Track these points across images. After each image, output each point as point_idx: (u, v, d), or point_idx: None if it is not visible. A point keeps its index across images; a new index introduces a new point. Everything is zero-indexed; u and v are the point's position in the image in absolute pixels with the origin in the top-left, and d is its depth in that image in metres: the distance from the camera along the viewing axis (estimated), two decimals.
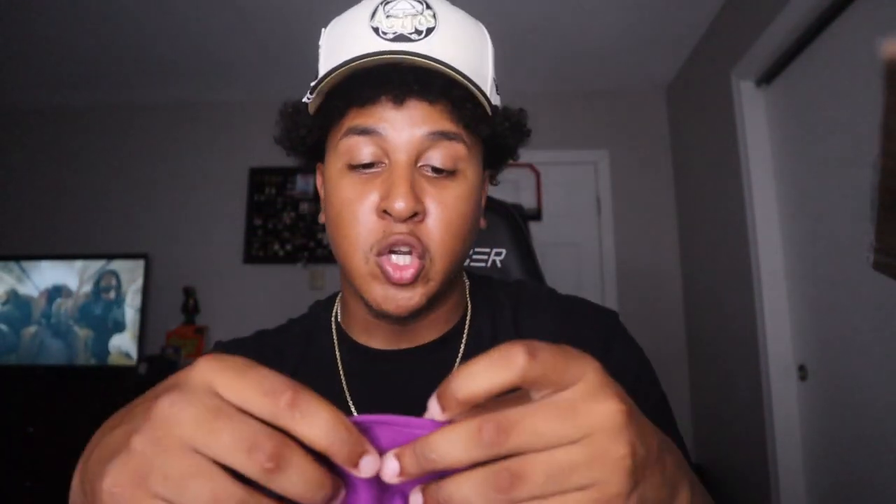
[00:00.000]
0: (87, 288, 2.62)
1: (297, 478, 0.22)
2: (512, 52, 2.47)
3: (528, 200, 2.76)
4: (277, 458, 0.21)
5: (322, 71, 0.49)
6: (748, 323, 1.94)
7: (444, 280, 0.48)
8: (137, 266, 2.64)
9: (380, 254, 0.46)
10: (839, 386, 1.56)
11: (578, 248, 2.78)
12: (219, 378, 0.23)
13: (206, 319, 2.77)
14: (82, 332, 2.58)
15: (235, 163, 2.93)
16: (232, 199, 2.90)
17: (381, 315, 0.48)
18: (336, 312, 0.59)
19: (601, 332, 0.54)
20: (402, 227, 0.45)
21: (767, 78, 1.90)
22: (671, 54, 2.50)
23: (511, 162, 0.58)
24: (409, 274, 0.45)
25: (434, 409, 0.25)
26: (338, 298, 0.60)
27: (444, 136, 0.46)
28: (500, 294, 0.58)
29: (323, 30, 0.53)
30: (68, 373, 2.53)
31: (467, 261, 0.83)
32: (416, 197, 0.45)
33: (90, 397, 2.34)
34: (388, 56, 0.44)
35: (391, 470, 0.24)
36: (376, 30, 0.46)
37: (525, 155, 0.58)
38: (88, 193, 2.95)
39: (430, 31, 0.46)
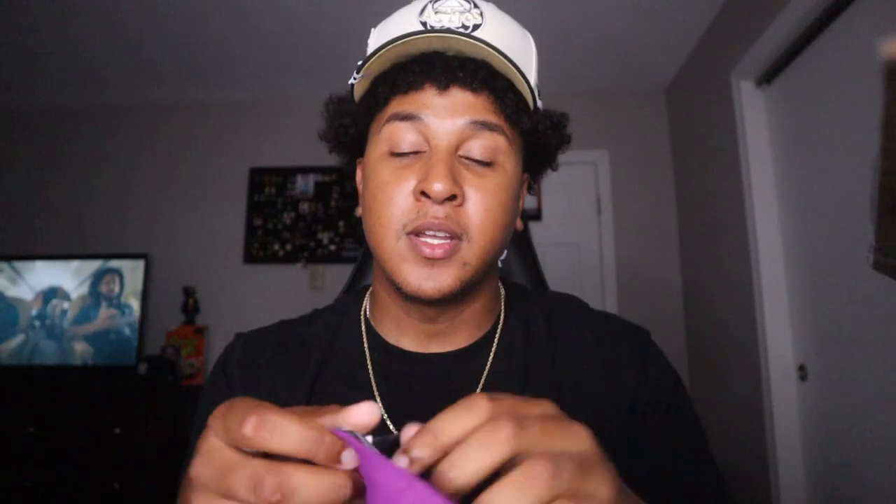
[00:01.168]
0: (85, 289, 2.62)
1: (306, 493, 0.23)
2: None
3: (527, 200, 2.75)
4: (281, 486, 0.23)
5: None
6: (748, 323, 1.94)
7: (481, 266, 0.47)
8: (137, 266, 2.64)
9: (413, 233, 0.45)
10: (839, 386, 1.56)
11: (578, 248, 2.78)
12: (217, 428, 0.25)
13: (206, 319, 2.77)
14: (81, 333, 2.58)
15: (235, 163, 2.93)
16: (232, 199, 2.90)
17: (412, 298, 0.47)
18: (365, 308, 0.58)
19: (637, 352, 0.54)
20: (440, 211, 0.44)
21: (767, 78, 1.90)
22: (671, 54, 2.50)
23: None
24: (441, 251, 0.44)
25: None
26: (368, 293, 0.60)
27: (485, 126, 0.46)
28: (535, 305, 0.58)
29: (372, 30, 0.53)
30: (68, 373, 2.53)
31: None
32: (455, 180, 0.44)
33: (90, 397, 2.34)
34: (436, 35, 0.44)
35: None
36: (424, 24, 0.47)
37: None
38: (88, 193, 2.95)
39: (476, 27, 0.46)
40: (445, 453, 0.25)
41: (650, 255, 2.73)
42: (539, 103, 0.53)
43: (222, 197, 2.91)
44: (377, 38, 0.51)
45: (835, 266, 1.55)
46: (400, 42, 0.45)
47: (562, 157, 0.58)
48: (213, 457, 0.25)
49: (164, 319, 2.73)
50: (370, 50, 0.51)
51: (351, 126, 0.52)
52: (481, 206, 0.46)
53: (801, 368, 1.74)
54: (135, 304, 2.59)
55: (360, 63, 0.48)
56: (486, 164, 0.47)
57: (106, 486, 2.21)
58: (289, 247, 2.84)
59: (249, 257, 2.84)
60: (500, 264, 0.57)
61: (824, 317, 1.63)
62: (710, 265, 2.35)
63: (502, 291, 0.59)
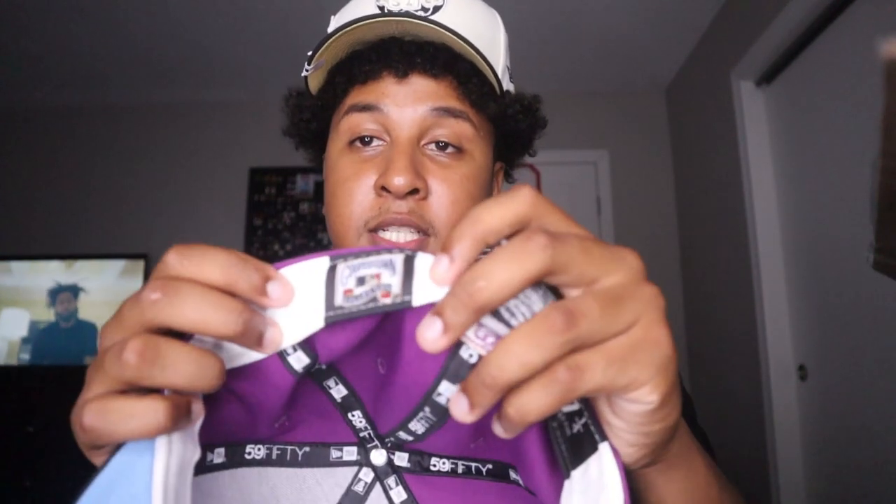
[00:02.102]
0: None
1: (174, 364, 0.19)
2: (510, 51, 2.47)
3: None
4: (160, 287, 0.20)
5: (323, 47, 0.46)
6: (748, 323, 1.94)
7: None
8: (137, 266, 2.64)
9: (374, 230, 0.43)
10: (839, 386, 1.56)
11: None
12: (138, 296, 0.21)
13: None
14: (80, 332, 2.59)
15: (235, 163, 2.93)
16: (232, 199, 2.90)
17: None
18: None
19: None
20: (402, 206, 0.42)
21: (767, 78, 1.90)
22: (671, 54, 2.50)
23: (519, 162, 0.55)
24: (407, 247, 0.42)
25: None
26: None
27: (448, 112, 0.44)
28: None
29: (332, 17, 0.51)
30: (68, 373, 2.53)
31: None
32: (417, 173, 0.42)
33: None
34: (392, 19, 0.42)
35: (434, 331, 0.20)
36: (382, 8, 0.44)
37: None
38: (88, 193, 2.95)
39: (437, 8, 0.44)
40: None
41: (650, 255, 2.73)
42: (509, 86, 0.50)
43: (222, 197, 2.91)
44: (336, 24, 0.49)
45: (835, 266, 1.55)
46: (352, 27, 0.42)
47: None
48: (134, 299, 0.21)
49: None
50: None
51: (311, 120, 0.50)
52: (447, 199, 0.43)
53: (801, 368, 1.74)
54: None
55: (310, 52, 0.45)
56: (452, 154, 0.44)
57: None
58: (289, 247, 2.84)
59: None
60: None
61: (824, 317, 1.63)
62: (710, 265, 2.35)
63: None
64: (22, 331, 2.61)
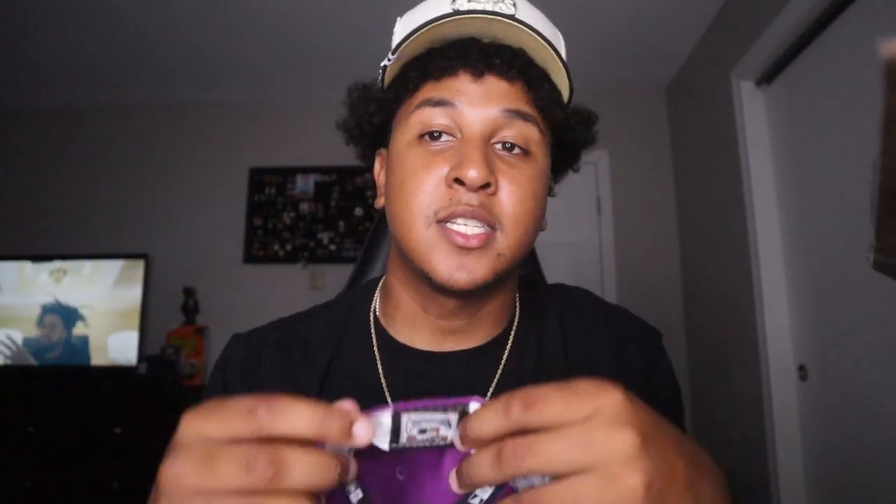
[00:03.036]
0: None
1: (303, 468, 0.23)
2: None
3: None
4: (275, 462, 0.23)
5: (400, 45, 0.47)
6: (748, 323, 1.94)
7: (515, 258, 0.46)
8: (137, 266, 2.64)
9: (443, 220, 0.43)
10: (839, 386, 1.56)
11: (578, 248, 2.78)
12: (201, 424, 0.24)
13: (206, 319, 2.77)
14: (79, 332, 2.59)
15: (235, 163, 2.93)
16: (232, 199, 2.90)
17: (442, 289, 0.44)
18: (375, 305, 0.55)
19: (648, 351, 0.54)
20: (473, 199, 0.42)
21: (767, 78, 1.90)
22: (671, 54, 2.50)
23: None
24: (476, 240, 0.42)
25: (456, 442, 0.29)
26: (378, 288, 0.57)
27: (519, 115, 0.45)
28: (547, 300, 0.57)
29: (398, 18, 0.51)
30: (68, 373, 2.53)
31: None
32: (490, 168, 0.43)
33: (90, 397, 2.34)
34: (478, 17, 0.43)
35: (460, 483, 0.27)
36: (457, 11, 0.45)
37: None
38: (88, 193, 2.95)
39: (510, 16, 0.45)
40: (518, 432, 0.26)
41: (650, 255, 2.73)
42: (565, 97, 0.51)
43: (222, 197, 2.91)
44: (405, 25, 0.49)
45: (835, 266, 1.55)
46: (437, 24, 0.43)
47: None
48: (192, 449, 0.24)
49: (164, 319, 2.73)
50: (398, 36, 0.49)
51: (376, 113, 0.50)
52: (515, 197, 0.44)
53: (801, 368, 1.74)
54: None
55: (395, 44, 0.46)
56: (518, 155, 0.45)
57: (106, 486, 2.21)
58: (289, 247, 2.84)
59: (249, 257, 2.84)
60: None
61: (824, 317, 1.63)
62: (710, 265, 2.35)
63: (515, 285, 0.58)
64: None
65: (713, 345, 2.33)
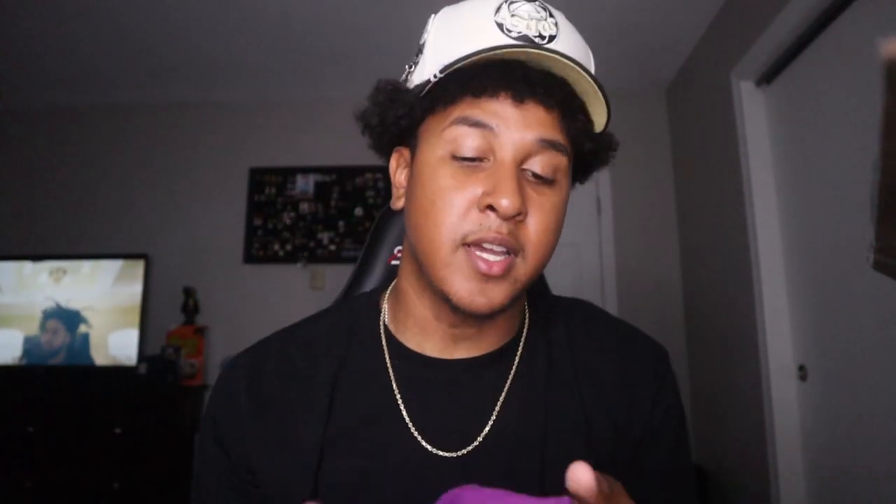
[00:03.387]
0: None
1: None
2: None
3: None
4: None
5: (447, 53, 0.46)
6: (748, 323, 1.94)
7: (529, 283, 0.47)
8: (137, 266, 2.64)
9: (471, 244, 0.44)
10: (839, 386, 1.56)
11: (578, 248, 2.78)
12: None
13: (206, 319, 2.77)
14: (78, 332, 2.59)
15: (235, 163, 2.93)
16: (232, 199, 2.90)
17: (458, 310, 0.45)
18: (384, 312, 0.56)
19: (656, 371, 0.54)
20: (503, 227, 0.43)
21: (767, 78, 1.90)
22: (671, 54, 2.50)
23: None
24: (498, 268, 0.43)
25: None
26: (385, 296, 0.57)
27: (552, 145, 0.45)
28: (554, 311, 0.57)
29: (433, 16, 0.50)
30: (68, 373, 2.53)
31: None
32: (521, 197, 0.43)
33: (90, 397, 2.34)
34: (528, 50, 0.43)
35: None
36: (500, 26, 0.45)
37: None
38: (88, 193, 2.95)
39: (552, 38, 0.45)
40: None
41: (650, 255, 2.73)
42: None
43: (222, 197, 2.91)
44: (444, 26, 0.49)
45: (835, 266, 1.55)
46: (492, 52, 0.43)
47: None
48: None
49: (164, 319, 2.73)
50: (438, 41, 0.48)
51: (404, 117, 0.49)
52: (541, 226, 0.45)
53: (801, 368, 1.74)
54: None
55: (446, 62, 0.45)
56: (546, 182, 0.46)
57: (106, 486, 2.21)
58: (289, 247, 2.84)
59: (249, 257, 2.84)
60: None
61: (824, 317, 1.63)
62: (710, 265, 2.35)
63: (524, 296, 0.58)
64: (16, 351, 2.57)
65: (713, 345, 2.34)
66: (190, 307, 2.73)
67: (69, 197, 2.95)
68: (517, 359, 0.52)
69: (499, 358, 0.52)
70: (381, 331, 0.54)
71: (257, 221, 2.87)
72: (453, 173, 0.45)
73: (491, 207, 0.43)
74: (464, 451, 0.48)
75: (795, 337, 1.80)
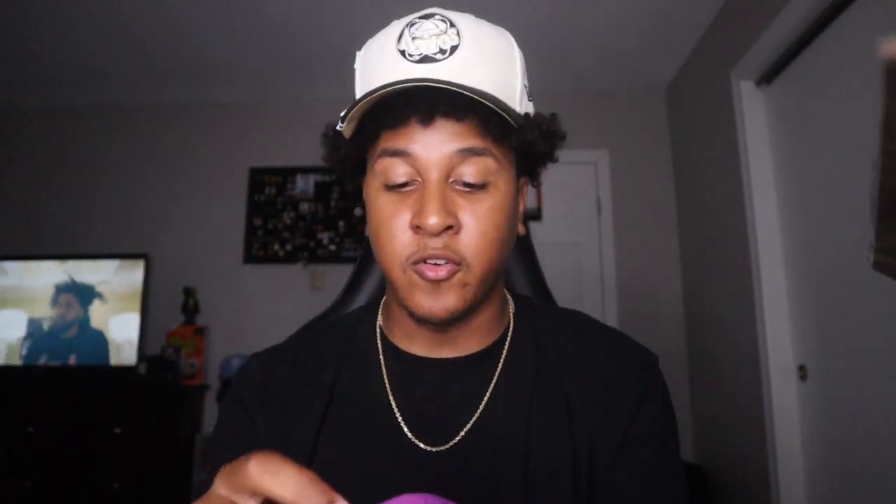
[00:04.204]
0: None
1: None
2: None
3: (528, 200, 2.76)
4: None
5: (357, 95, 0.51)
6: (748, 323, 1.94)
7: (482, 286, 0.49)
8: (137, 266, 2.64)
9: (415, 263, 0.47)
10: (839, 386, 1.56)
11: (578, 248, 2.78)
12: (224, 484, 0.28)
13: (206, 319, 2.77)
14: (78, 332, 2.59)
15: (235, 163, 2.93)
16: (232, 199, 2.90)
17: (422, 321, 0.49)
18: (379, 318, 0.60)
19: (643, 375, 0.54)
20: (437, 242, 0.46)
21: (767, 78, 1.90)
22: (671, 54, 2.50)
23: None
24: (444, 271, 0.46)
25: None
26: (381, 302, 0.62)
27: (472, 152, 0.47)
28: (543, 317, 0.59)
29: (357, 53, 0.53)
30: (68, 373, 2.53)
31: None
32: (448, 211, 0.46)
33: (90, 397, 2.34)
34: (412, 85, 0.44)
35: None
36: (403, 52, 0.47)
37: None
38: (88, 193, 2.95)
39: (454, 48, 0.47)
40: None
41: (650, 255, 2.74)
42: (529, 107, 0.53)
43: (222, 197, 2.91)
44: (361, 63, 0.52)
45: (835, 266, 1.55)
46: (381, 92, 0.45)
47: (562, 157, 0.57)
48: (211, 498, 0.28)
49: (164, 319, 2.73)
50: (357, 87, 0.52)
51: (347, 158, 0.53)
52: (476, 232, 0.47)
53: (801, 368, 1.74)
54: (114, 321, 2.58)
55: (342, 114, 0.49)
56: (478, 188, 0.48)
57: (106, 486, 2.21)
58: (289, 247, 2.84)
59: (249, 257, 2.84)
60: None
61: (824, 317, 1.63)
62: (710, 265, 2.35)
63: (511, 302, 0.60)
64: (20, 331, 2.60)
65: (713, 345, 2.34)
66: (190, 307, 2.73)
67: (69, 197, 2.96)
68: (502, 360, 0.55)
69: (483, 359, 0.54)
70: (378, 333, 0.58)
71: (257, 221, 2.87)
72: (388, 202, 0.49)
73: (421, 227, 0.46)
74: (447, 446, 0.50)
75: (795, 337, 1.80)
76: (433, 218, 0.45)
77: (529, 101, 0.54)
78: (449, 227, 0.46)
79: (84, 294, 2.62)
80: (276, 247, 2.84)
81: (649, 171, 2.80)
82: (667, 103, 2.83)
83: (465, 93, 0.44)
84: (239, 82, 2.80)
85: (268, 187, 2.90)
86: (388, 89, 0.44)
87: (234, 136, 2.97)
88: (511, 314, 0.59)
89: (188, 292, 2.75)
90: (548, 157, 0.55)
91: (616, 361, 0.54)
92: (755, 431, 1.89)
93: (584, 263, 2.77)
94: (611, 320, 2.62)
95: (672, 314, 2.67)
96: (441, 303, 0.47)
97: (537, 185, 0.60)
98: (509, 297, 0.61)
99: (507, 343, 0.56)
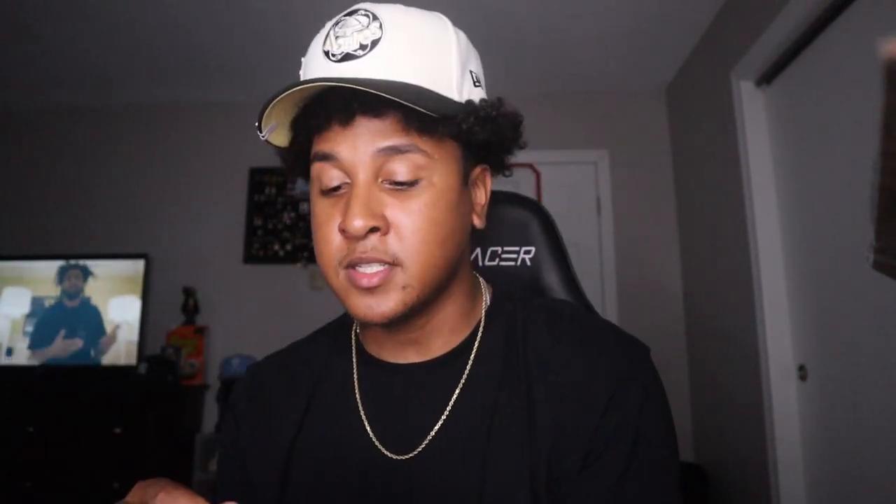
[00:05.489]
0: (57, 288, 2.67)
1: None
2: (511, 52, 2.47)
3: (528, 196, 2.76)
4: None
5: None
6: (748, 323, 1.94)
7: (426, 286, 0.47)
8: (137, 266, 2.64)
9: (347, 267, 0.46)
10: (839, 386, 1.56)
11: (578, 248, 2.78)
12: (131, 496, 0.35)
13: (206, 319, 2.77)
14: (76, 332, 2.59)
15: (235, 163, 2.93)
16: (232, 199, 2.90)
17: (365, 324, 0.49)
18: (356, 324, 0.60)
19: (620, 368, 0.49)
20: (366, 245, 0.45)
21: (767, 78, 1.90)
22: (671, 54, 2.50)
23: (512, 162, 0.55)
24: (376, 279, 0.45)
25: None
26: None
27: (395, 150, 0.45)
28: (519, 311, 0.55)
29: (303, 59, 0.53)
30: (68, 373, 2.53)
31: (497, 260, 0.80)
32: (373, 212, 0.44)
33: (90, 397, 2.34)
34: (317, 85, 0.43)
35: None
36: (327, 53, 0.47)
37: (525, 155, 0.56)
38: (89, 193, 2.95)
39: (374, 43, 0.45)
40: None
41: (650, 255, 2.73)
42: (476, 94, 0.50)
43: (222, 197, 2.91)
44: (302, 67, 0.52)
45: (835, 266, 1.55)
46: (288, 92, 0.44)
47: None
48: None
49: (165, 319, 2.73)
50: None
51: (295, 166, 0.53)
52: (409, 231, 0.45)
53: (801, 368, 1.74)
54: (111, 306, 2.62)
55: (256, 123, 0.47)
56: (410, 185, 0.46)
57: (106, 486, 2.21)
58: (289, 247, 2.84)
59: (249, 257, 2.84)
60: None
61: (824, 317, 1.63)
62: (710, 265, 2.35)
63: (486, 296, 0.57)
64: (24, 308, 2.65)
65: (713, 344, 2.34)
66: (190, 307, 2.73)
67: (69, 197, 2.95)
68: (470, 361, 0.52)
69: (451, 361, 0.52)
70: (353, 341, 0.58)
71: (257, 221, 2.87)
72: (323, 207, 0.48)
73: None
74: (411, 455, 0.49)
75: (795, 337, 1.80)
76: (357, 221, 0.43)
77: (477, 86, 0.51)
78: (376, 229, 0.45)
79: (85, 270, 2.69)
80: (276, 247, 2.84)
81: (649, 171, 2.79)
82: (667, 103, 2.83)
83: (370, 91, 0.41)
84: (239, 82, 2.80)
85: (268, 187, 2.90)
86: (290, 91, 0.44)
87: (234, 136, 2.97)
88: (483, 310, 0.56)
89: (188, 292, 2.75)
90: (506, 143, 0.52)
91: (589, 357, 0.49)
92: (755, 431, 1.89)
93: (584, 263, 2.77)
94: (610, 320, 2.62)
95: (672, 314, 2.67)
96: (379, 308, 0.46)
97: (507, 174, 0.56)
98: (486, 291, 0.58)
99: (476, 342, 0.53)
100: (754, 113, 1.95)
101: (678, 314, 2.67)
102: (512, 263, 0.82)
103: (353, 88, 0.42)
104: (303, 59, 0.52)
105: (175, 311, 2.74)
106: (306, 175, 0.52)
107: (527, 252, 0.83)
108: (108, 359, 2.55)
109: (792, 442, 1.76)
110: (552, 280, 0.81)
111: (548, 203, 2.78)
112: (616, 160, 2.81)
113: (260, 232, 2.86)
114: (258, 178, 2.91)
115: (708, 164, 2.34)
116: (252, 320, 2.75)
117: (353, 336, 0.59)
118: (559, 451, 0.46)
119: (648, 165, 2.80)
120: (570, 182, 2.80)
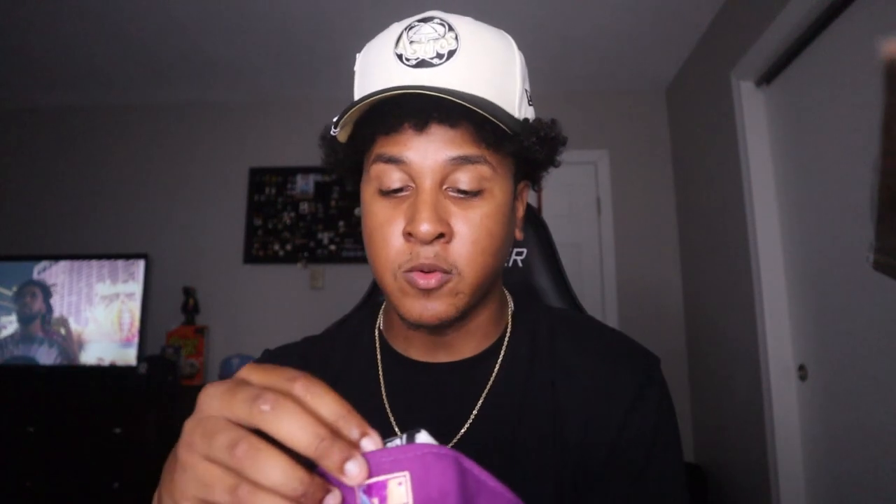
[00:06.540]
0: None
1: (274, 470, 0.24)
2: None
3: (528, 200, 2.76)
4: (251, 451, 0.25)
5: (355, 97, 0.50)
6: (748, 322, 1.94)
7: (475, 293, 0.49)
8: (137, 266, 2.64)
9: (407, 272, 0.47)
10: (839, 386, 1.56)
11: (578, 248, 2.78)
12: (250, 372, 0.28)
13: (206, 319, 2.77)
14: (77, 331, 2.59)
15: (235, 163, 2.93)
16: (232, 199, 2.90)
17: (414, 326, 0.49)
18: (380, 322, 0.61)
19: (639, 376, 0.52)
20: (429, 251, 0.46)
21: (767, 78, 1.90)
22: (671, 54, 2.50)
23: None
24: (434, 280, 0.46)
25: None
26: (382, 307, 0.62)
27: (466, 159, 0.46)
28: (542, 318, 0.58)
29: (357, 55, 0.53)
30: (68, 373, 2.53)
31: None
32: (441, 219, 0.46)
33: (90, 397, 2.34)
34: (404, 92, 0.44)
35: None
36: (400, 56, 0.47)
37: None
38: (88, 193, 2.95)
39: (451, 53, 0.46)
40: None
41: (650, 255, 2.73)
42: (529, 112, 0.52)
43: (222, 197, 2.91)
44: (360, 65, 0.52)
45: (835, 266, 1.55)
46: (376, 97, 0.45)
47: (562, 157, 0.57)
48: (207, 422, 0.27)
49: (165, 319, 2.73)
50: (356, 78, 0.51)
51: (344, 162, 0.53)
52: (469, 240, 0.47)
53: (801, 368, 1.74)
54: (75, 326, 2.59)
55: (335, 119, 0.48)
56: (472, 195, 0.47)
57: (106, 486, 2.21)
58: (289, 247, 2.84)
59: (249, 257, 2.84)
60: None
61: (824, 317, 1.63)
62: (710, 265, 2.35)
63: (510, 302, 0.60)
64: None
65: (713, 345, 2.34)
66: (190, 307, 2.73)
67: (69, 197, 2.95)
68: (498, 364, 0.54)
69: (478, 363, 0.54)
70: (377, 337, 0.59)
71: (257, 221, 2.87)
72: (382, 208, 0.48)
73: (413, 234, 0.46)
74: None
75: (795, 337, 1.80)
76: (425, 225, 0.44)
77: (530, 105, 0.53)
78: (441, 236, 0.46)
79: (45, 290, 2.65)
80: (276, 247, 2.84)
81: (649, 171, 2.79)
82: (667, 103, 2.83)
83: (456, 101, 0.43)
84: (239, 82, 2.80)
85: (268, 187, 2.90)
86: (379, 96, 0.44)
87: (234, 136, 2.97)
88: (510, 316, 0.58)
89: (188, 292, 2.75)
90: (549, 162, 0.55)
91: (610, 365, 0.52)
92: (755, 431, 1.89)
93: (584, 263, 2.77)
94: (611, 320, 2.62)
95: (672, 314, 2.67)
96: (431, 310, 0.47)
97: (538, 189, 0.59)
98: (509, 297, 0.60)
99: (503, 346, 0.55)
100: (754, 113, 1.95)
101: (678, 314, 2.67)
102: (504, 264, 0.84)
103: (430, 95, 0.43)
104: (358, 56, 0.52)
105: (175, 311, 2.74)
106: (355, 172, 0.54)
107: (518, 254, 0.85)
108: (108, 359, 2.55)
109: (792, 442, 1.76)
110: (543, 282, 0.83)
111: (548, 203, 2.79)
112: (616, 160, 2.81)
113: (260, 232, 2.86)
114: (258, 178, 2.91)
115: (708, 164, 2.34)
116: (252, 320, 2.75)
117: (376, 334, 0.59)
118: (584, 452, 0.48)
119: (648, 165, 2.80)
120: (570, 182, 2.80)
